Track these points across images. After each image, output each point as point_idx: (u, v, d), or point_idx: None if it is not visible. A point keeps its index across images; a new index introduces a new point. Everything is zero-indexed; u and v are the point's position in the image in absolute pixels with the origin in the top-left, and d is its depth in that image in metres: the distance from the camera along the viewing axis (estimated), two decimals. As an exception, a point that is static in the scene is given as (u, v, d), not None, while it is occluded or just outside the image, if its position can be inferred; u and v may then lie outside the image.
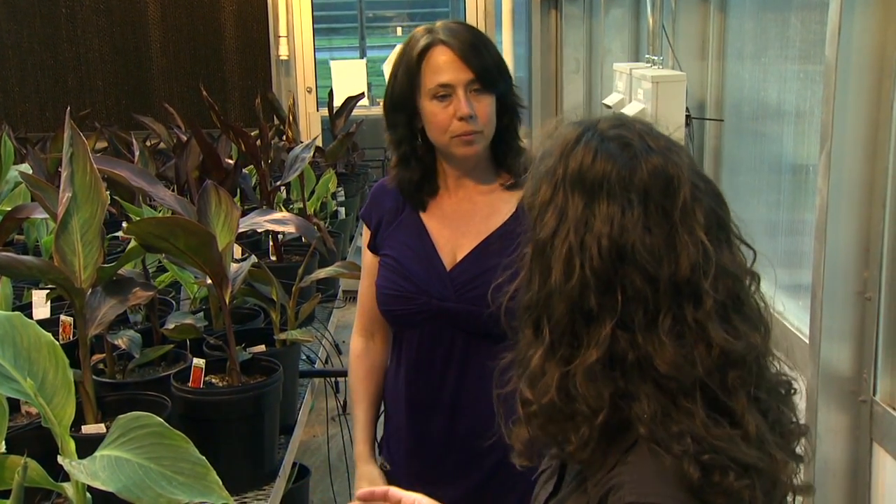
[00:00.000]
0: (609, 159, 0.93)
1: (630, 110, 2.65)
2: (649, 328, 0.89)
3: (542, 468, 1.11)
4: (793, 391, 0.97)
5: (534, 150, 1.03)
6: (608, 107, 2.95)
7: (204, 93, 3.12)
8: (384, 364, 1.76)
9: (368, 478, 1.72)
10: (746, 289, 0.95)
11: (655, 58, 2.80)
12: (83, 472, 0.95)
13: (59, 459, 0.99)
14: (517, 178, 1.61)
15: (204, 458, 0.99)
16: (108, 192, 1.56)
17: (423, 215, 1.68)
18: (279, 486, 1.76)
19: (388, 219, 1.70)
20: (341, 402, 2.71)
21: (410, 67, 1.59)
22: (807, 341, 1.74)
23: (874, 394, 1.64)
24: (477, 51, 1.56)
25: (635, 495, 0.87)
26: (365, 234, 1.77)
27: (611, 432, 0.91)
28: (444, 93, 1.56)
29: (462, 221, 1.65)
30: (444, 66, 1.56)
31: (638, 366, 0.89)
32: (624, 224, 0.90)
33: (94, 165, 1.50)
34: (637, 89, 2.66)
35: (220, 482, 0.98)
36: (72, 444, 1.04)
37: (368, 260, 1.75)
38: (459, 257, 1.63)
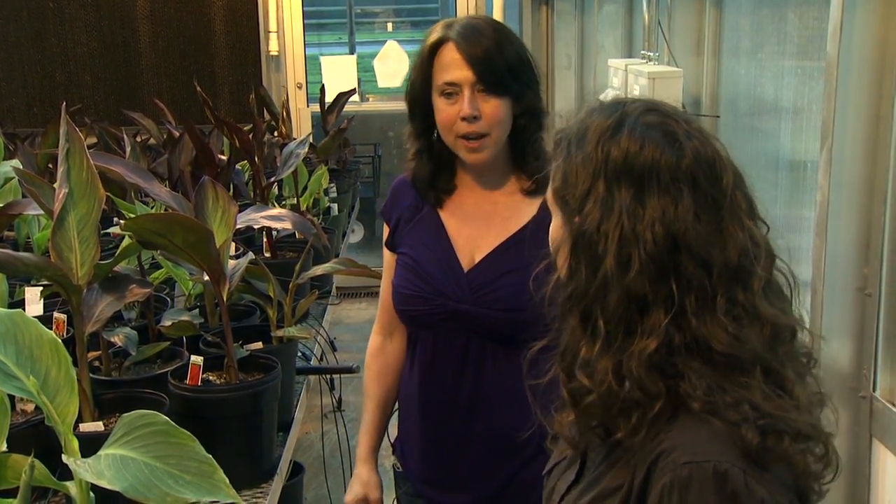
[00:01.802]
0: (657, 147, 0.93)
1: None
2: (703, 311, 0.90)
3: (555, 461, 1.11)
4: (813, 362, 0.99)
5: (551, 138, 1.02)
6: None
7: (198, 88, 3.09)
8: (400, 365, 1.75)
9: (362, 480, 1.71)
10: (776, 265, 0.98)
11: (651, 54, 2.79)
12: (89, 471, 0.94)
13: (64, 458, 0.98)
14: (538, 184, 1.58)
15: (210, 456, 0.98)
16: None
17: (442, 214, 1.65)
18: (277, 484, 1.75)
19: (406, 216, 1.68)
20: (336, 399, 2.70)
21: (423, 60, 1.57)
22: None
23: (874, 390, 1.65)
24: (487, 52, 1.52)
25: (689, 455, 0.88)
26: (385, 232, 1.75)
27: (659, 411, 0.92)
28: (451, 91, 1.54)
29: (482, 222, 1.62)
30: (451, 64, 1.54)
31: (687, 347, 0.91)
32: (676, 213, 0.90)
33: (91, 161, 1.48)
34: (633, 85, 2.65)
35: (227, 481, 0.97)
36: (75, 443, 1.02)
37: (388, 258, 1.73)
38: (477, 259, 1.60)
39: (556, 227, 1.00)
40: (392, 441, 1.82)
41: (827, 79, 1.64)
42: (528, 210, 1.59)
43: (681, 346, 0.91)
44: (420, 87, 1.59)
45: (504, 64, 1.53)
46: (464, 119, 1.52)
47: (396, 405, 1.83)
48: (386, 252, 1.74)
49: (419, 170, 1.65)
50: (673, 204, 0.91)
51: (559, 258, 0.99)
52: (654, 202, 0.91)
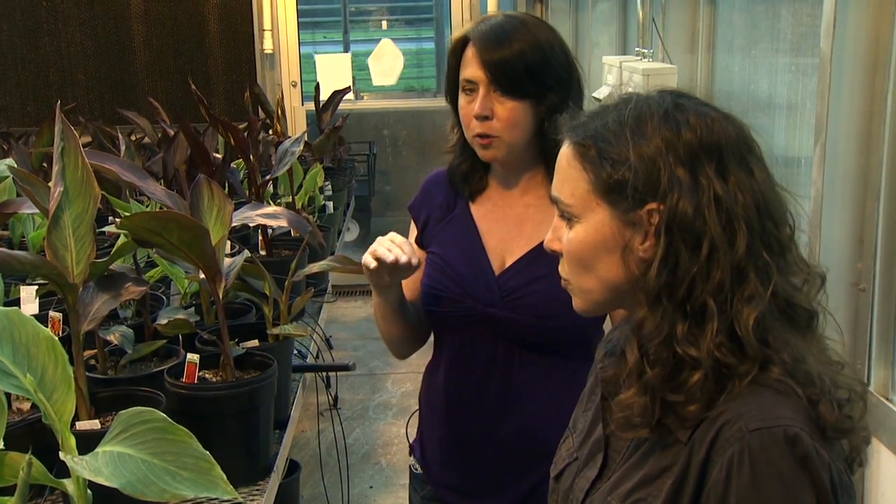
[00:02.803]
0: (721, 122, 0.96)
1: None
2: (784, 273, 0.94)
3: (565, 462, 1.11)
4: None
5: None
6: (598, 100, 2.95)
7: (193, 86, 3.09)
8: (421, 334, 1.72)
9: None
10: None
11: (645, 51, 2.80)
12: (86, 468, 0.94)
13: (61, 455, 0.98)
14: None
15: (208, 452, 0.98)
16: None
17: (475, 214, 1.64)
18: (274, 482, 1.75)
19: (437, 215, 1.67)
20: (332, 397, 2.71)
21: (451, 55, 1.58)
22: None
23: (868, 384, 1.66)
24: (503, 53, 1.49)
25: (757, 422, 0.88)
26: (412, 228, 1.73)
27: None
28: (470, 87, 1.53)
29: (514, 224, 1.61)
30: (469, 62, 1.53)
31: (779, 310, 0.94)
32: (754, 181, 0.94)
33: (86, 160, 1.48)
34: (627, 82, 2.66)
35: (225, 477, 0.98)
36: (72, 440, 1.03)
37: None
38: (509, 262, 1.58)
39: (600, 224, 0.98)
40: (411, 441, 1.80)
41: (820, 75, 1.64)
42: None
43: (774, 310, 0.93)
44: (451, 81, 1.59)
45: (522, 66, 1.49)
46: (476, 118, 1.53)
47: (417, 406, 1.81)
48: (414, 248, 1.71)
49: (455, 163, 1.65)
50: (748, 173, 0.94)
51: (602, 254, 0.98)
52: (735, 174, 0.94)
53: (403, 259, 1.48)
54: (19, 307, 2.07)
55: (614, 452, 1.04)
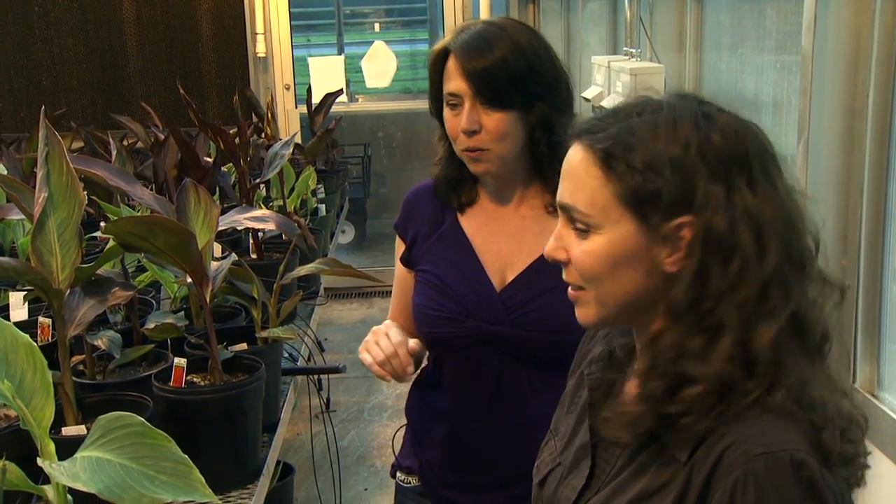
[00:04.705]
0: (745, 132, 0.93)
1: (608, 103, 2.66)
2: (801, 287, 0.91)
3: (548, 468, 1.09)
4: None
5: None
6: (587, 100, 2.96)
7: (182, 91, 3.09)
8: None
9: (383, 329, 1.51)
10: None
11: (633, 50, 2.81)
12: (64, 473, 0.94)
13: (39, 461, 0.98)
14: None
15: (186, 456, 0.99)
16: (85, 192, 1.55)
17: (466, 229, 1.56)
18: (263, 485, 1.75)
19: (426, 231, 1.60)
20: (324, 400, 2.71)
21: (432, 67, 1.52)
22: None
23: (853, 381, 1.66)
24: (487, 64, 1.43)
25: (762, 447, 0.86)
26: (398, 247, 1.66)
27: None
28: (454, 102, 1.48)
29: (511, 238, 1.54)
30: (451, 74, 1.47)
31: (793, 328, 0.91)
32: (778, 192, 0.92)
33: (71, 165, 1.49)
34: (616, 82, 2.66)
35: (203, 480, 0.98)
36: (51, 446, 1.03)
37: (401, 273, 1.65)
38: (510, 278, 1.51)
39: (624, 236, 0.93)
40: (397, 456, 1.71)
41: (802, 73, 1.65)
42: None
43: (789, 329, 0.91)
44: (434, 94, 1.54)
45: (507, 76, 1.43)
46: (463, 132, 1.47)
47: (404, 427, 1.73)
48: (400, 267, 1.65)
49: (441, 174, 1.58)
50: (772, 184, 0.92)
51: (623, 268, 0.93)
52: (763, 186, 0.91)
53: (390, 379, 1.44)
54: (9, 313, 2.07)
55: (603, 462, 1.01)
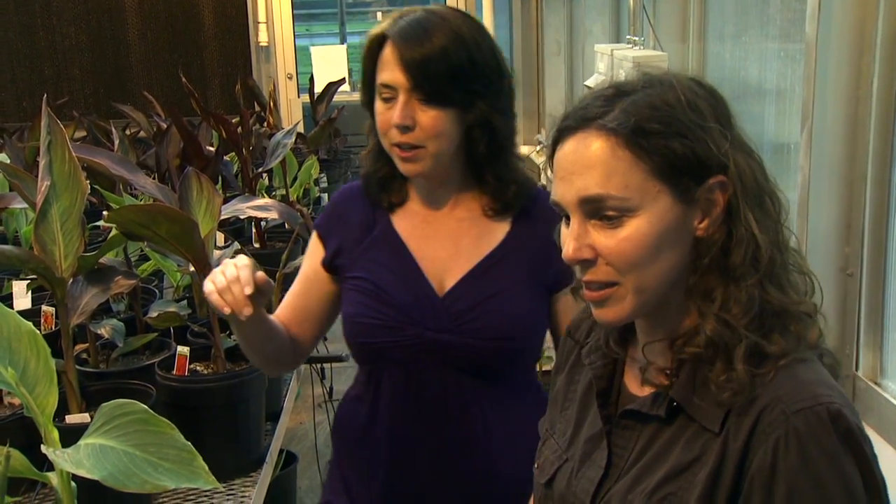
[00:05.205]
0: (712, 92, 0.97)
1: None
2: (785, 269, 0.96)
3: (556, 466, 1.07)
4: None
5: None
6: (590, 88, 2.95)
7: (184, 80, 3.09)
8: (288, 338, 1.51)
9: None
10: None
11: (637, 38, 2.79)
12: (67, 460, 0.94)
13: (43, 449, 0.99)
14: (505, 205, 1.44)
15: (189, 443, 0.99)
16: (87, 181, 1.55)
17: (401, 233, 1.46)
18: (266, 473, 1.76)
19: (356, 236, 1.47)
20: (327, 389, 2.72)
21: (366, 54, 1.41)
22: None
23: (857, 369, 1.66)
24: (426, 55, 1.33)
25: (798, 403, 0.88)
26: (316, 248, 1.51)
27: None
28: (388, 94, 1.36)
29: (448, 241, 1.44)
30: (387, 65, 1.36)
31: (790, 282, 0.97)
32: (760, 175, 0.96)
33: (73, 153, 1.49)
34: (619, 70, 2.65)
35: (206, 467, 0.98)
36: (55, 433, 1.03)
37: (312, 275, 1.51)
38: (450, 283, 1.41)
39: (664, 209, 0.92)
40: (325, 489, 1.58)
41: (806, 60, 1.64)
42: (498, 228, 1.44)
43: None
44: (366, 83, 1.42)
45: (447, 71, 1.33)
46: (396, 127, 1.36)
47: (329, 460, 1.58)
48: (312, 268, 1.51)
49: (370, 170, 1.47)
50: (759, 164, 0.97)
51: (666, 243, 0.93)
52: (738, 135, 0.97)
53: (228, 311, 1.26)
54: (12, 302, 2.08)
55: (619, 448, 1.00)
